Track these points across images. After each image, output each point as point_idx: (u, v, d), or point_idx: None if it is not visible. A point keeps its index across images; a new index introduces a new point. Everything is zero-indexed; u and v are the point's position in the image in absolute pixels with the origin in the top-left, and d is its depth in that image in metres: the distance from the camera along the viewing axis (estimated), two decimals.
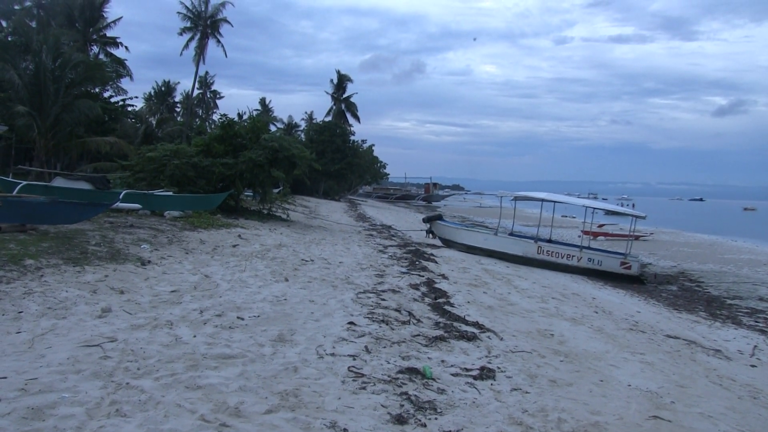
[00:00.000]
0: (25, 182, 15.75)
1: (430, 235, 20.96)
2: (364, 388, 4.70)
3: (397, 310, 7.75)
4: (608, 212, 25.83)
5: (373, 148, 66.81)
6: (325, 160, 48.95)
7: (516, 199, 22.38)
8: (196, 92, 60.27)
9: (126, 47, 41.58)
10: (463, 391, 4.97)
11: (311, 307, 7.36)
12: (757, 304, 14.71)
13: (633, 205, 62.06)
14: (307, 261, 11.47)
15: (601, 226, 32.30)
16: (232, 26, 51.91)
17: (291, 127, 72.56)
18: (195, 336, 5.55)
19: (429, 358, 5.81)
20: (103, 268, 7.94)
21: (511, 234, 20.72)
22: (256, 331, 5.99)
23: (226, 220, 16.66)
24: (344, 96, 66.85)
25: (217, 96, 74.15)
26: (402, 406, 4.43)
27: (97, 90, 32.57)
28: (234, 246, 12.15)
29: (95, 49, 39.84)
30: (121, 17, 42.50)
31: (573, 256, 18.61)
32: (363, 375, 5.00)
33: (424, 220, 22.16)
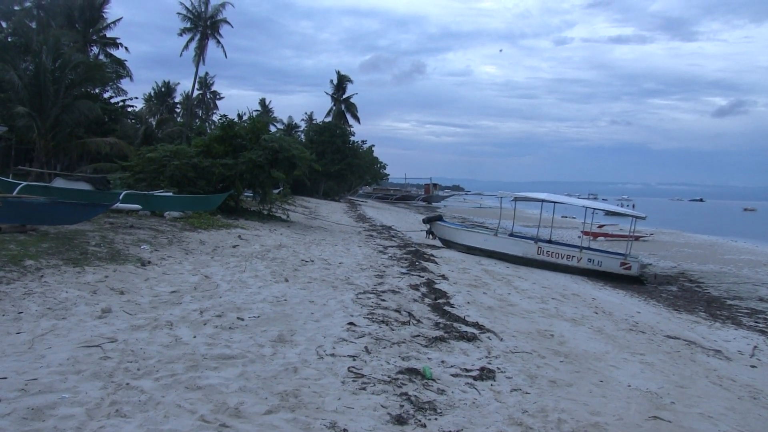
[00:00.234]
0: (25, 183, 15.75)
1: (430, 236, 20.96)
2: (364, 389, 4.70)
3: (397, 311, 7.75)
4: (608, 213, 25.83)
5: (373, 148, 66.87)
6: (325, 161, 48.96)
7: (516, 199, 22.38)
8: (196, 93, 60.37)
9: (126, 48, 41.70)
10: (463, 392, 4.97)
11: (311, 308, 7.36)
12: (757, 305, 14.71)
13: (633, 206, 62.06)
14: (307, 261, 11.47)
15: (601, 226, 32.30)
16: (232, 27, 52.05)
17: (291, 127, 72.59)
18: (195, 336, 5.55)
19: (429, 358, 5.82)
20: (103, 269, 7.94)
21: (511, 234, 20.71)
22: (256, 331, 5.99)
23: (226, 221, 16.66)
24: (344, 96, 66.87)
25: (217, 97, 74.26)
26: (402, 406, 4.43)
27: (97, 91, 32.58)
28: (234, 246, 12.15)
29: (95, 49, 39.89)
30: (121, 18, 42.60)
31: (573, 256, 18.61)
32: (363, 375, 5.00)
33: (424, 221, 22.17)
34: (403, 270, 12.19)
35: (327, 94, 67.08)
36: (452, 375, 5.39)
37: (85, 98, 27.17)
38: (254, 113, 51.68)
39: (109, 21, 40.40)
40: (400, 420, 4.16)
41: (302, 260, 11.55)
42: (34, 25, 34.75)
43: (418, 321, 7.37)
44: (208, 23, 48.43)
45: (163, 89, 58.23)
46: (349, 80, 67.24)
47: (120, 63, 40.20)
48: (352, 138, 60.31)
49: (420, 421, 4.21)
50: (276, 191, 23.14)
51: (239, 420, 3.87)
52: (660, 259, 24.52)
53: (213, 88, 73.07)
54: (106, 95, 36.72)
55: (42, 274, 7.11)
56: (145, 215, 14.87)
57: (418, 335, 6.62)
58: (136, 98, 57.37)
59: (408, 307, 8.09)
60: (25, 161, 29.29)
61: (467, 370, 5.57)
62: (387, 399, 4.53)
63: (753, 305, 14.66)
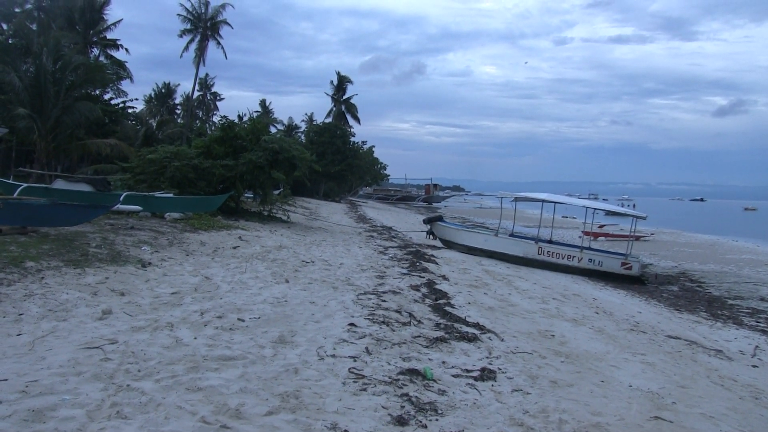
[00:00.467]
0: (25, 184, 15.74)
1: (431, 237, 20.96)
2: (364, 390, 4.70)
3: (398, 312, 7.74)
4: (609, 213, 25.82)
5: (374, 149, 66.91)
6: (325, 162, 48.97)
7: (516, 200, 22.37)
8: (196, 94, 60.41)
9: (126, 49, 41.74)
10: (463, 392, 4.97)
11: (312, 309, 7.36)
12: (759, 305, 14.70)
13: (633, 206, 62.07)
14: (307, 262, 11.47)
15: (601, 226, 32.29)
16: (232, 28, 52.04)
17: (291, 128, 72.65)
18: (195, 338, 5.55)
19: (430, 359, 5.81)
20: (104, 270, 7.94)
21: (512, 235, 20.71)
22: (256, 332, 5.99)
23: (226, 222, 16.66)
24: (344, 97, 66.90)
25: (218, 98, 74.35)
26: (403, 407, 4.43)
27: (97, 92, 32.62)
28: (234, 247, 12.15)
29: (95, 51, 39.95)
30: (122, 19, 42.58)
31: (573, 256, 18.60)
32: (364, 376, 5.00)
33: (425, 222, 22.17)
34: (404, 270, 12.19)
35: (327, 94, 67.21)
36: (453, 375, 5.38)
37: (86, 100, 27.18)
38: (254, 114, 51.85)
39: (109, 22, 40.51)
40: (401, 421, 4.16)
41: (303, 261, 11.55)
42: (34, 26, 34.79)
43: (419, 322, 7.36)
44: (208, 24, 48.47)
45: (163, 90, 58.30)
46: (349, 81, 67.34)
47: (120, 64, 40.24)
48: (352, 139, 60.42)
49: (421, 421, 4.20)
50: (276, 192, 23.15)
51: (240, 421, 3.87)
52: (661, 259, 24.51)
53: (213, 90, 73.27)
54: (106, 97, 36.80)
55: (43, 275, 7.12)
56: (145, 216, 14.87)
57: (419, 336, 6.62)
58: (137, 99, 57.65)
59: (409, 308, 8.09)
60: (26, 163, 29.33)
61: (468, 371, 5.56)
62: (388, 400, 4.53)
63: (754, 305, 14.65)
